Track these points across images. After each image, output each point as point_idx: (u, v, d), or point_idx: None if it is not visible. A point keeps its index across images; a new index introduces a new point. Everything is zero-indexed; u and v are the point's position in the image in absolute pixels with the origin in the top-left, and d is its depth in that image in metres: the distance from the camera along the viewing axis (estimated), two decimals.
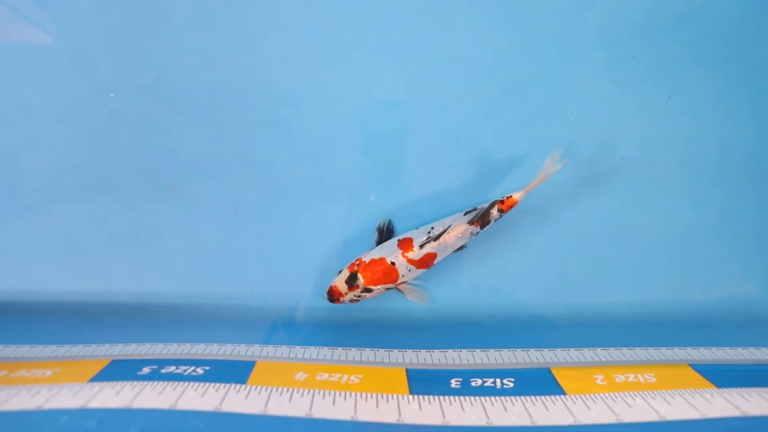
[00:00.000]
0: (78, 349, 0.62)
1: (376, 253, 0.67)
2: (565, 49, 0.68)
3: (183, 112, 0.69)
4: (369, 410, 0.50)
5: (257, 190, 0.70)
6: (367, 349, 0.62)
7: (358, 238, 0.70)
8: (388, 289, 0.68)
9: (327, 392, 0.53)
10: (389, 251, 0.67)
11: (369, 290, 0.67)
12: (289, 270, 0.70)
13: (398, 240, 0.68)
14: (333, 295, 0.68)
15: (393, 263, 0.66)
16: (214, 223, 0.70)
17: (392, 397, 0.53)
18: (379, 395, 0.53)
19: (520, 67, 0.68)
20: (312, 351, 0.62)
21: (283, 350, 0.61)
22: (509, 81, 0.69)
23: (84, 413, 0.48)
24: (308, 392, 0.53)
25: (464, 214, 0.67)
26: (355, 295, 0.67)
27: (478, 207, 0.67)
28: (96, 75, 0.69)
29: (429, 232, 0.67)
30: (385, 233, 0.70)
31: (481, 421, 0.50)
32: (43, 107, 0.69)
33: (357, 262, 0.67)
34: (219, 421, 0.47)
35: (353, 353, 0.61)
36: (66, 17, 0.69)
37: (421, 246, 0.66)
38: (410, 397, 0.53)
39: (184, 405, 0.49)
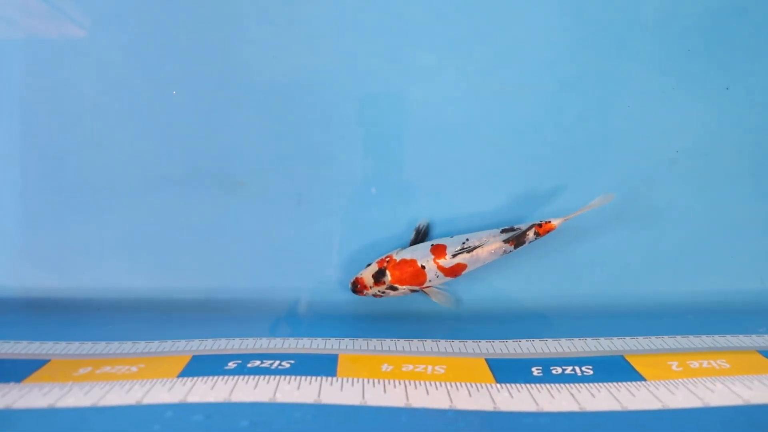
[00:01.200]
0: (155, 345, 0.62)
1: (408, 253, 0.68)
2: (623, 42, 0.69)
3: (247, 109, 0.69)
4: (463, 399, 0.51)
5: (322, 185, 0.70)
6: (442, 341, 0.63)
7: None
8: (413, 290, 0.69)
9: (418, 382, 0.53)
10: (421, 254, 0.67)
11: (394, 288, 0.68)
12: (356, 264, 0.70)
13: (432, 245, 0.68)
14: (357, 286, 0.68)
15: (423, 267, 0.67)
16: (281, 217, 0.70)
17: (481, 386, 0.54)
18: (469, 384, 0.54)
19: (579, 61, 0.69)
20: (389, 343, 0.62)
21: (361, 343, 0.62)
22: (568, 75, 0.69)
23: (187, 407, 0.48)
24: (399, 383, 0.53)
25: (501, 232, 0.68)
26: (379, 291, 0.68)
27: (516, 227, 0.68)
28: (159, 72, 0.69)
29: (464, 243, 0.67)
30: (422, 235, 0.70)
31: (573, 407, 0.51)
32: (108, 105, 0.69)
33: (387, 259, 0.68)
34: (323, 413, 0.48)
35: (430, 344, 0.62)
36: (129, 15, 0.68)
37: (454, 255, 0.67)
38: (498, 385, 0.54)
39: (282, 398, 0.50)
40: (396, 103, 0.70)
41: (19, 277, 0.70)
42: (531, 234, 0.67)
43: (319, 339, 0.62)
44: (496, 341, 0.63)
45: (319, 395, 0.50)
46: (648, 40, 0.69)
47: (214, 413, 0.47)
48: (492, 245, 0.67)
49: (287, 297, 0.71)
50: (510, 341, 0.63)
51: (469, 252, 0.67)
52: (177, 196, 0.70)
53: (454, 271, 0.68)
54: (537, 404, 0.51)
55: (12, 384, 0.53)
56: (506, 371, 0.57)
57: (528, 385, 0.54)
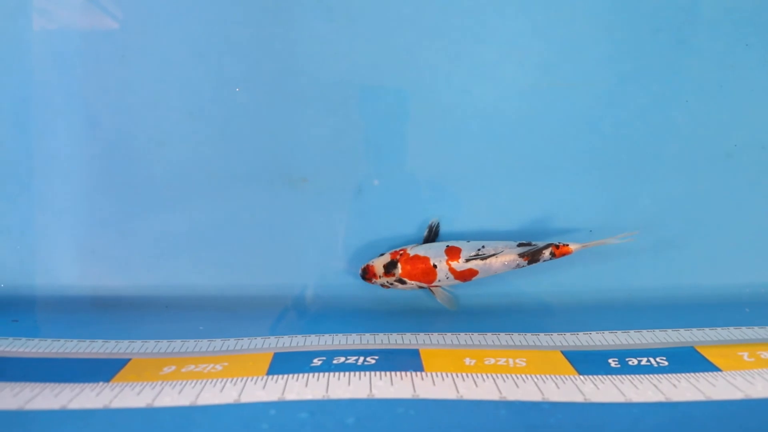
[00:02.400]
0: (231, 343, 0.62)
1: (422, 250, 0.69)
2: (681, 37, 0.70)
3: (310, 105, 0.69)
4: (553, 391, 0.52)
5: (386, 181, 0.71)
6: (515, 333, 0.64)
7: (482, 227, 0.71)
8: (420, 287, 0.69)
9: (505, 375, 0.54)
10: (435, 253, 0.68)
11: (402, 282, 0.68)
12: None
13: (447, 246, 0.69)
14: (367, 273, 0.69)
15: (435, 266, 0.68)
16: (345, 214, 0.71)
17: (566, 378, 0.54)
18: (554, 377, 0.55)
19: (638, 56, 0.70)
20: (464, 337, 0.63)
21: (437, 337, 0.63)
22: (627, 70, 0.70)
23: (289, 405, 0.48)
24: (487, 376, 0.54)
25: (518, 245, 0.69)
26: (387, 282, 0.69)
27: (533, 243, 0.68)
28: (222, 69, 0.69)
29: (479, 250, 0.68)
30: (433, 234, 0.71)
31: (658, 397, 0.52)
32: (171, 103, 0.69)
33: (401, 252, 0.69)
34: (424, 408, 0.48)
35: (504, 338, 0.63)
36: (191, 12, 0.68)
37: (467, 260, 0.68)
38: (582, 377, 0.55)
39: (379, 394, 0.50)
40: (457, 99, 0.70)
41: (86, 276, 0.70)
42: (547, 253, 0.68)
43: (395, 334, 0.63)
44: (567, 334, 0.64)
45: (414, 390, 0.51)
46: (706, 34, 0.70)
47: (318, 410, 0.48)
48: (506, 256, 0.68)
49: (351, 292, 0.72)
50: (580, 333, 0.64)
51: (482, 259, 0.68)
52: (241, 193, 0.70)
53: (465, 276, 0.69)
54: (624, 395, 0.52)
55: (102, 384, 0.54)
56: (585, 363, 0.58)
57: (610, 376, 0.55)
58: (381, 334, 0.63)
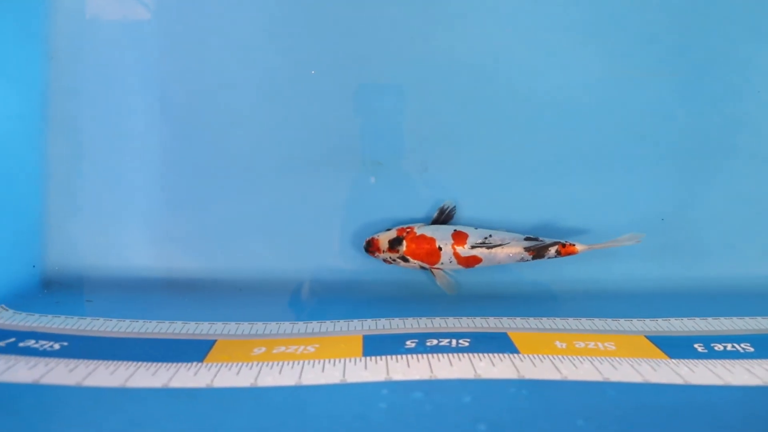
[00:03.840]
0: (314, 326, 0.62)
1: (429, 231, 0.69)
2: (753, 27, 0.71)
3: (385, 90, 0.69)
4: (650, 373, 0.52)
5: (460, 167, 0.71)
6: (596, 319, 0.64)
7: (558, 213, 0.72)
8: (422, 267, 0.70)
9: (600, 358, 0.54)
10: (442, 236, 0.68)
11: (405, 260, 0.68)
12: None
13: (455, 230, 0.69)
14: (371, 246, 0.69)
15: (440, 248, 0.68)
16: (419, 200, 0.70)
17: (659, 362, 0.55)
18: (646, 360, 0.55)
19: (710, 46, 0.71)
20: (547, 321, 0.63)
21: (521, 322, 0.63)
22: (700, 60, 0.71)
23: (400, 385, 0.48)
24: (583, 359, 0.53)
25: (524, 239, 0.69)
26: (390, 257, 0.69)
27: (540, 239, 0.69)
28: (297, 52, 0.68)
29: (486, 238, 0.68)
30: (444, 216, 0.71)
31: (755, 380, 0.52)
32: (246, 85, 0.68)
33: (408, 230, 0.69)
34: (534, 389, 0.48)
35: (586, 323, 0.63)
36: None
37: (473, 247, 0.68)
38: (674, 361, 0.55)
39: (485, 374, 0.50)
40: (532, 86, 0.71)
41: (159, 258, 0.69)
42: (552, 251, 0.68)
43: (479, 318, 0.63)
44: (647, 319, 0.64)
45: (518, 371, 0.51)
46: None
47: (431, 390, 0.47)
48: (512, 248, 0.68)
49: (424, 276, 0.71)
50: (660, 320, 0.64)
51: (488, 248, 0.68)
52: (316, 176, 0.70)
53: (468, 262, 0.69)
54: (721, 378, 0.53)
55: (196, 363, 0.53)
56: (673, 347, 0.58)
57: (702, 360, 0.56)
58: (465, 318, 0.62)
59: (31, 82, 0.68)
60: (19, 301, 0.64)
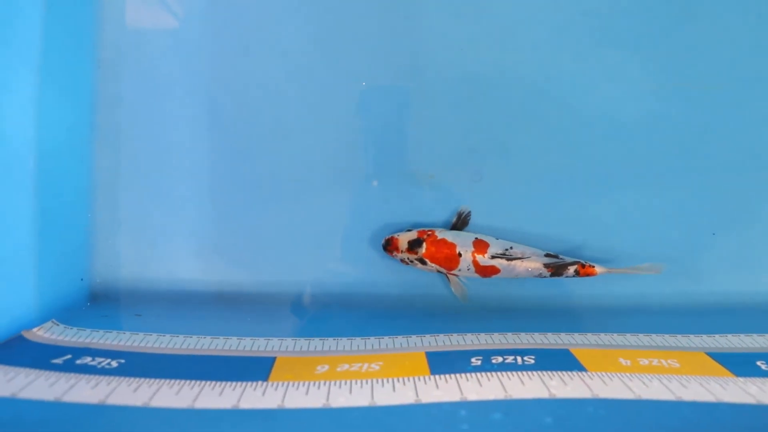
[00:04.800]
0: (373, 342, 0.61)
1: (451, 236, 0.68)
2: None
3: (436, 102, 0.69)
4: (720, 392, 0.52)
5: (512, 179, 0.70)
6: (654, 335, 0.63)
7: (607, 227, 0.71)
8: (439, 271, 0.69)
9: (668, 376, 0.54)
10: (462, 242, 0.68)
11: (423, 262, 0.68)
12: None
13: (476, 238, 0.69)
14: (390, 245, 0.68)
15: (460, 254, 0.68)
16: (475, 213, 0.70)
17: (727, 380, 0.54)
18: (714, 378, 0.55)
19: (760, 60, 0.71)
20: (605, 337, 0.63)
21: (579, 338, 0.62)
22: (753, 74, 0.71)
23: (477, 405, 0.47)
24: (651, 377, 0.53)
25: (545, 255, 0.69)
26: (408, 258, 0.69)
27: (560, 257, 0.69)
28: (347, 63, 0.68)
29: (507, 250, 0.68)
30: (461, 221, 0.70)
31: None
32: (295, 97, 0.68)
33: (429, 233, 0.68)
34: (613, 407, 0.48)
35: (644, 339, 0.63)
36: (315, 5, 0.67)
37: (493, 257, 0.68)
38: (741, 379, 0.55)
39: (559, 393, 0.49)
40: (581, 99, 0.70)
41: (207, 271, 0.68)
42: (571, 270, 0.68)
43: (537, 334, 0.62)
44: (704, 335, 0.64)
45: (591, 390, 0.50)
46: None
47: (510, 410, 0.47)
48: (531, 263, 0.68)
49: (479, 292, 0.71)
50: (717, 336, 0.64)
51: (508, 260, 0.68)
52: (366, 187, 0.69)
53: (486, 272, 0.68)
54: None
55: (262, 383, 0.52)
56: (736, 365, 0.58)
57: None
58: (524, 334, 0.62)
59: (81, 92, 0.67)
60: (68, 315, 0.63)
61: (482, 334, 0.62)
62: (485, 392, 0.49)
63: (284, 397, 0.49)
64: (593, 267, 0.68)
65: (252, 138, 0.68)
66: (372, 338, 0.61)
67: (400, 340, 0.61)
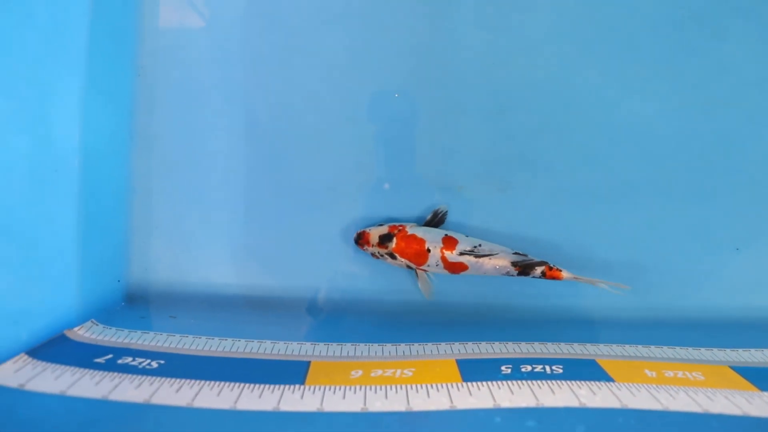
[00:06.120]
0: (403, 348, 0.62)
1: (421, 232, 0.69)
2: None
3: (467, 113, 0.70)
4: (746, 406, 0.53)
5: (538, 191, 0.72)
6: (679, 347, 0.65)
7: (630, 240, 0.72)
8: (408, 266, 0.70)
9: (695, 389, 0.55)
10: (432, 239, 0.69)
11: (393, 257, 0.69)
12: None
13: (446, 234, 0.70)
14: (361, 239, 0.70)
15: (428, 250, 0.69)
16: (501, 224, 0.71)
17: (753, 395, 0.56)
18: (739, 392, 0.56)
19: None
20: (630, 349, 0.64)
21: (604, 348, 0.64)
22: None
23: (511, 413, 0.49)
24: (678, 389, 0.54)
25: (513, 253, 0.70)
26: (378, 253, 0.70)
27: (528, 257, 0.69)
28: (381, 74, 0.69)
29: (475, 247, 0.69)
30: (437, 219, 0.71)
31: None
32: (331, 106, 0.69)
33: (400, 228, 0.70)
34: (643, 418, 0.49)
35: (668, 351, 0.64)
36: (352, 16, 0.69)
37: (461, 254, 0.69)
38: (765, 393, 0.56)
39: (589, 403, 0.51)
40: (607, 113, 0.72)
41: (242, 275, 0.70)
42: (538, 270, 0.69)
43: (563, 344, 0.64)
44: (728, 349, 0.65)
45: (620, 401, 0.52)
46: None
47: (543, 418, 0.48)
48: (499, 260, 0.69)
49: (504, 300, 0.72)
50: (740, 350, 0.65)
51: (476, 257, 0.69)
52: (398, 196, 0.71)
53: (454, 268, 0.69)
54: None
55: (299, 386, 0.54)
56: (762, 379, 0.59)
57: None
58: (550, 344, 0.63)
59: (121, 98, 0.69)
60: (106, 315, 0.65)
61: (510, 343, 0.63)
62: (517, 400, 0.51)
63: (322, 400, 0.51)
64: (560, 271, 0.69)
65: (286, 145, 0.70)
66: (402, 344, 0.63)
67: (430, 346, 0.63)
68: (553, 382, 0.54)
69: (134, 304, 0.70)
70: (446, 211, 0.71)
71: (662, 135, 0.72)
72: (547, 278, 0.69)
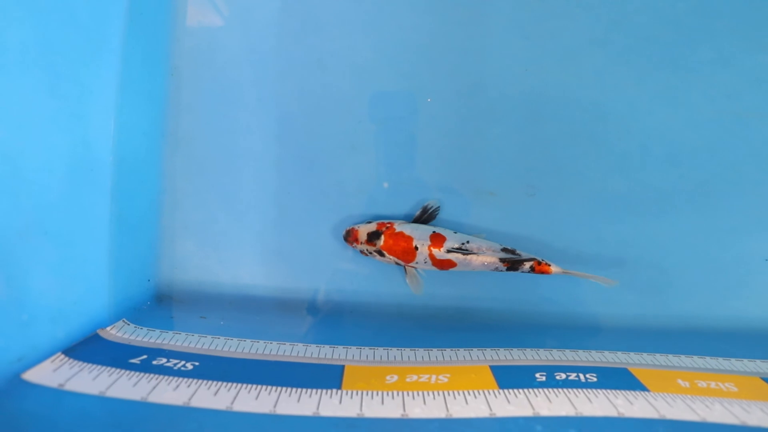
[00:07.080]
0: (435, 353, 0.63)
1: (409, 229, 0.69)
2: None
3: (499, 120, 0.70)
4: (764, 419, 0.54)
5: (568, 198, 0.72)
6: (709, 357, 0.65)
7: (659, 249, 0.72)
8: (397, 263, 0.70)
9: (730, 400, 0.55)
10: (420, 236, 0.69)
11: (381, 254, 0.69)
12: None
13: (433, 231, 0.70)
14: (350, 236, 0.70)
15: (416, 248, 0.69)
16: (531, 231, 0.71)
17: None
18: (764, 403, 0.56)
19: None
20: (661, 358, 0.64)
21: (636, 357, 0.64)
22: None
23: (551, 421, 0.49)
24: (713, 399, 0.55)
25: (501, 249, 0.69)
26: (367, 250, 0.70)
27: (517, 252, 0.70)
28: (414, 80, 0.69)
29: (463, 244, 0.69)
30: (427, 216, 0.72)
31: None
32: (364, 109, 0.69)
33: (388, 225, 0.70)
34: (679, 429, 0.49)
35: (699, 361, 0.64)
36: (386, 21, 0.69)
37: (449, 251, 0.69)
38: None
39: (626, 412, 0.51)
40: (639, 122, 0.72)
41: (271, 277, 0.70)
42: (527, 266, 0.69)
43: (606, 352, 0.64)
44: (758, 360, 0.65)
45: (657, 411, 0.52)
46: None
47: (583, 427, 0.48)
48: (487, 257, 0.69)
49: (538, 309, 0.73)
50: (758, 360, 0.66)
51: (463, 254, 0.68)
52: (426, 201, 0.71)
53: (442, 265, 0.69)
54: None
55: (336, 390, 0.54)
56: None
57: None
58: (581, 351, 0.63)
59: (155, 98, 0.68)
60: (137, 315, 0.65)
61: (541, 350, 0.63)
62: (556, 408, 0.51)
63: (361, 405, 0.51)
64: (549, 265, 0.69)
65: (319, 148, 0.70)
66: (435, 350, 0.63)
67: (462, 352, 0.63)
68: (589, 390, 0.54)
69: (164, 303, 0.70)
70: (437, 207, 0.71)
71: (694, 145, 0.72)
72: (536, 273, 0.69)
